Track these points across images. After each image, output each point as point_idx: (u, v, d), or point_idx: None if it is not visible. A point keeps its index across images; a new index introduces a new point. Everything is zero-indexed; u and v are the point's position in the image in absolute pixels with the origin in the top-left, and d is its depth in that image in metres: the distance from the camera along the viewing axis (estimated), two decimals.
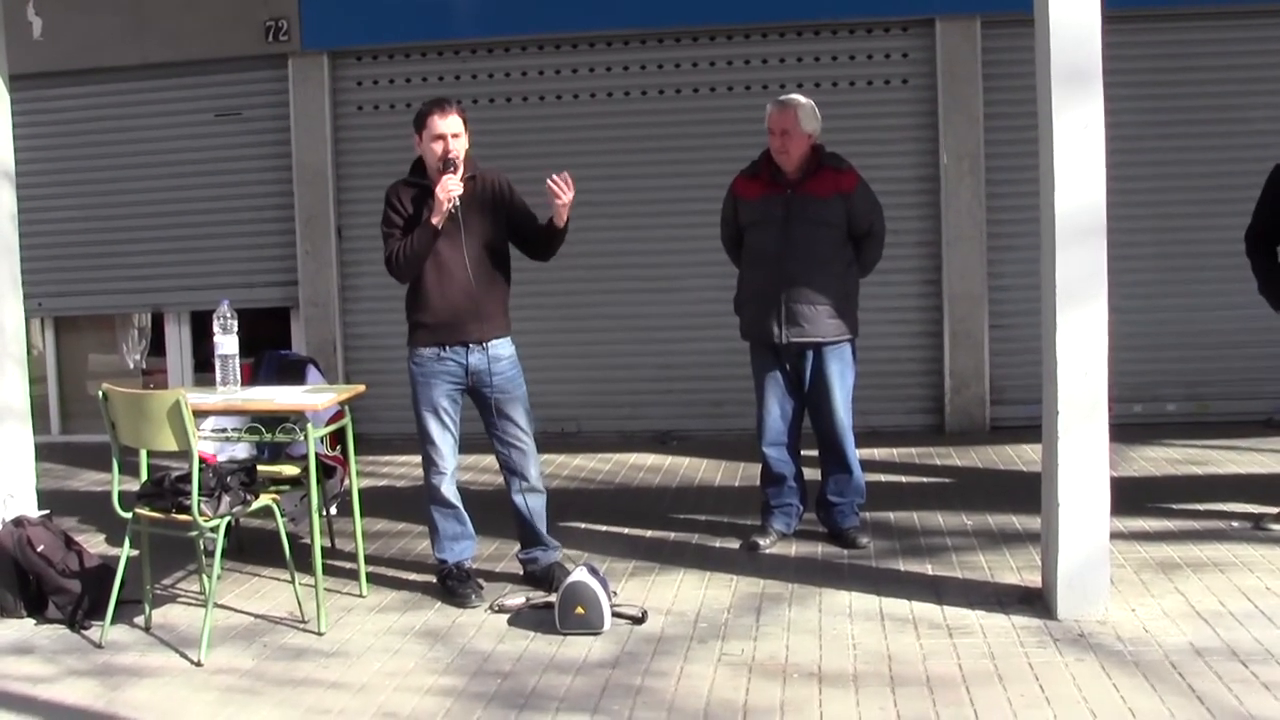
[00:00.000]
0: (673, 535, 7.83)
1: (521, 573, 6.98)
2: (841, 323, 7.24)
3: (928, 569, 6.90)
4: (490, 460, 7.18)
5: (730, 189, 7.50)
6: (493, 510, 7.35)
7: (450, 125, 6.54)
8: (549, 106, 11.10)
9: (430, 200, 6.50)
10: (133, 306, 12.21)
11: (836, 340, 7.26)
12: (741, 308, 7.46)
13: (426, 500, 6.80)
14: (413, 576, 7.15)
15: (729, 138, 10.23)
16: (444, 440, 6.69)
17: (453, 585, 6.73)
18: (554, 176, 6.50)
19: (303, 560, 6.62)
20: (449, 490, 6.74)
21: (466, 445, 6.95)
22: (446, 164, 6.48)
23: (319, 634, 6.23)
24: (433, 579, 6.96)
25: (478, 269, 6.60)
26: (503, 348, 6.73)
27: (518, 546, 7.00)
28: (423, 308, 6.64)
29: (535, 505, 6.86)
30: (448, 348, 6.62)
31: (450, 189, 6.42)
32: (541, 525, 6.89)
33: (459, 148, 6.54)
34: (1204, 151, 10.61)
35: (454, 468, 6.76)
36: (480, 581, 6.79)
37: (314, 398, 6.69)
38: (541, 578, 6.82)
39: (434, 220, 6.46)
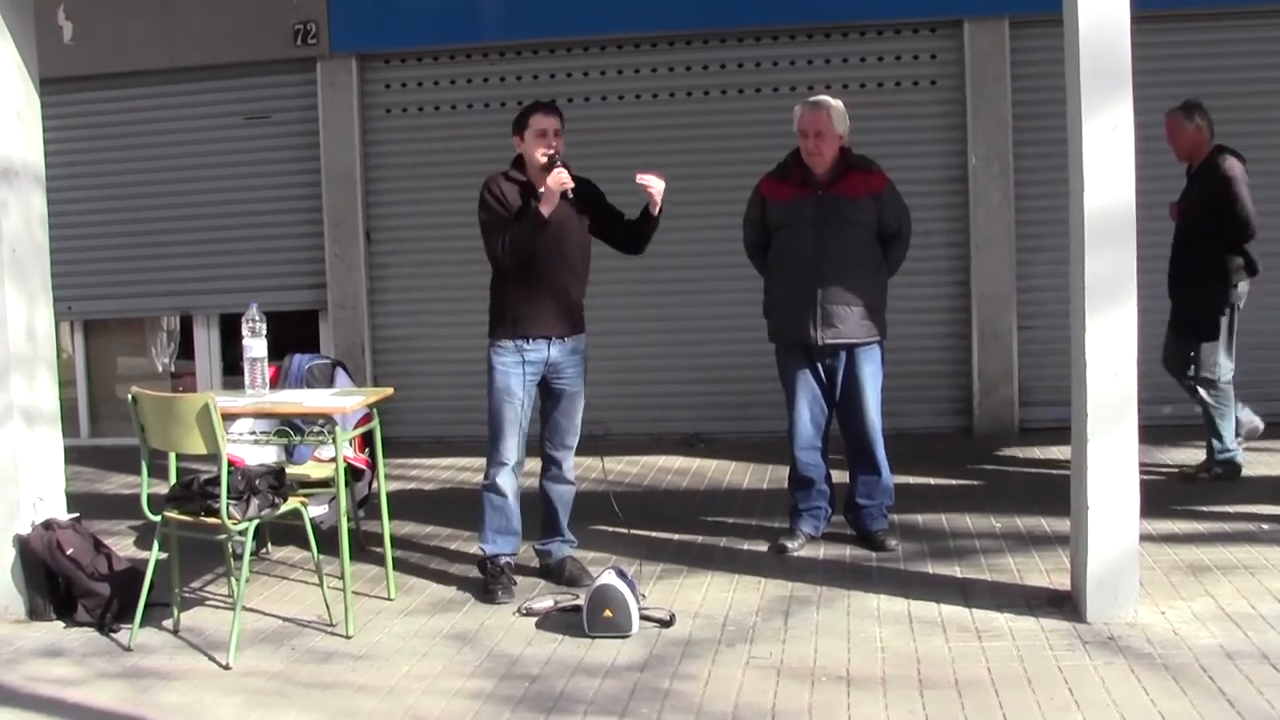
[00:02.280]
0: (700, 538, 7.82)
1: (537, 564, 7.08)
2: (873, 323, 7.25)
3: (956, 571, 6.88)
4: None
5: (756, 191, 7.49)
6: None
7: (554, 123, 6.79)
8: (577, 109, 11.10)
9: (536, 193, 6.70)
10: (162, 309, 12.26)
11: (869, 341, 7.27)
12: (772, 310, 7.45)
13: (482, 487, 6.93)
14: (441, 579, 7.17)
15: (757, 139, 10.21)
16: (512, 431, 6.82)
17: (486, 579, 6.86)
18: (642, 175, 6.78)
19: (331, 563, 6.64)
20: (504, 481, 6.84)
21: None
22: (552, 160, 6.67)
23: (347, 637, 6.24)
24: (461, 580, 7.04)
25: (564, 265, 6.81)
26: (580, 342, 6.94)
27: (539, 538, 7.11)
28: (510, 300, 6.80)
29: (565, 495, 7.05)
30: (531, 340, 6.77)
31: (564, 179, 6.60)
32: (564, 515, 7.06)
33: (560, 145, 6.77)
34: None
35: (516, 461, 6.88)
36: (514, 579, 6.84)
37: (342, 400, 6.71)
38: (554, 569, 7.01)
39: (544, 209, 6.61)
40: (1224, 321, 8.49)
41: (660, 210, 6.83)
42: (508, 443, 6.81)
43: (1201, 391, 8.64)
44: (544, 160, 6.67)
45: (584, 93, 11.24)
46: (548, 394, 6.93)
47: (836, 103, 7.27)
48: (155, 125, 11.85)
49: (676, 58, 11.20)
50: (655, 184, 6.75)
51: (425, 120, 11.49)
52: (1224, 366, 8.57)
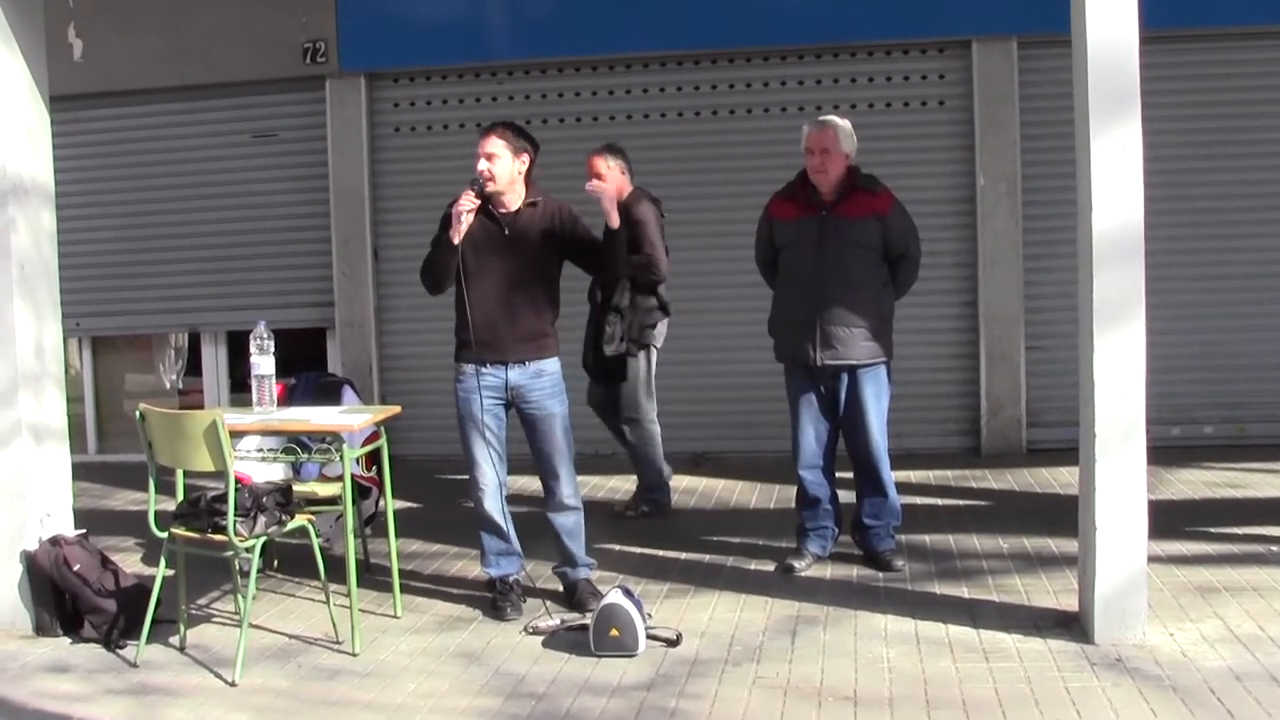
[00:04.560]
0: (707, 557, 7.81)
1: (562, 587, 7.04)
2: (876, 345, 7.23)
3: (964, 592, 6.86)
4: (527, 481, 7.19)
5: (765, 210, 7.51)
6: (527, 530, 7.30)
7: (487, 145, 6.67)
8: (585, 128, 11.11)
9: (492, 214, 6.73)
10: (170, 326, 12.27)
11: (871, 363, 7.25)
12: (775, 330, 7.46)
13: (474, 515, 6.90)
14: (447, 597, 7.16)
15: (765, 159, 10.23)
16: (484, 456, 6.76)
17: (494, 598, 6.86)
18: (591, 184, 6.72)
19: (338, 581, 6.63)
20: (489, 505, 6.81)
21: (516, 467, 6.96)
22: (473, 181, 6.62)
23: (354, 655, 6.23)
24: (468, 599, 7.05)
25: (521, 290, 6.73)
26: (546, 366, 6.81)
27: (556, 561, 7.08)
28: (465, 324, 6.75)
29: (567, 523, 6.94)
30: (487, 364, 6.71)
31: (461, 204, 6.57)
32: (572, 543, 6.96)
33: (495, 170, 6.64)
34: (1242, 172, 10.56)
35: (496, 485, 6.82)
36: (521, 597, 6.85)
37: (350, 418, 6.70)
38: (568, 590, 6.96)
39: (453, 236, 6.61)
40: (638, 363, 8.68)
41: (619, 225, 6.70)
42: (479, 468, 6.78)
43: (627, 430, 8.83)
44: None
45: (592, 112, 11.26)
46: (523, 420, 6.87)
47: (844, 122, 7.28)
48: (164, 143, 11.86)
49: (685, 77, 11.21)
50: (601, 189, 6.70)
51: (434, 139, 11.50)
52: (644, 406, 8.75)
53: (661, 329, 8.76)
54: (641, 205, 8.50)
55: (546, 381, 6.80)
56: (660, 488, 8.99)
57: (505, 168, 6.68)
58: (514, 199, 6.75)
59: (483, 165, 6.64)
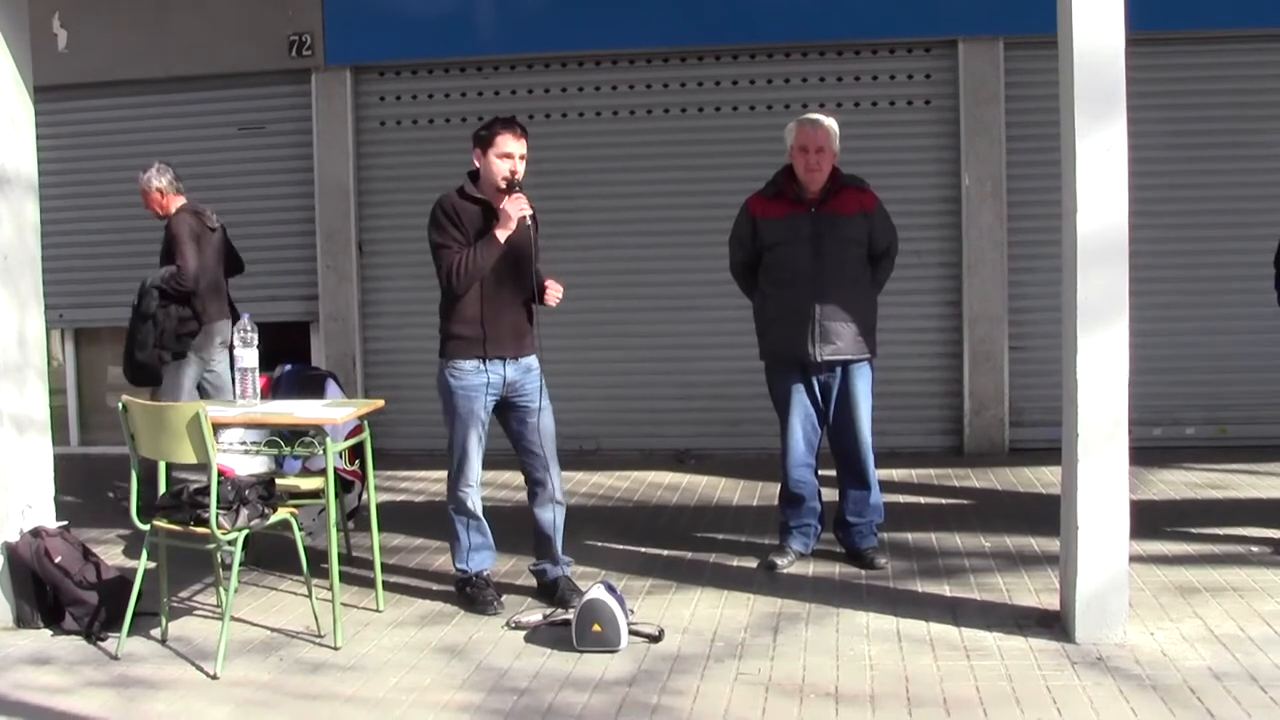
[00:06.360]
0: (690, 554, 7.81)
1: (536, 585, 7.03)
2: (866, 341, 7.28)
3: (946, 590, 6.88)
4: (510, 477, 7.17)
5: (746, 210, 7.47)
6: (509, 526, 7.32)
7: (520, 147, 6.66)
8: (570, 124, 11.11)
9: (494, 215, 6.60)
10: None
11: (862, 358, 7.29)
12: (769, 327, 7.43)
13: (451, 510, 6.86)
14: (430, 592, 7.15)
15: (750, 156, 10.21)
16: (476, 452, 6.75)
17: (473, 593, 6.82)
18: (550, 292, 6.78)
19: (320, 574, 6.62)
20: (474, 501, 6.79)
21: (489, 462, 6.94)
22: (511, 184, 6.58)
23: (335, 648, 6.23)
24: (450, 594, 7.01)
25: (516, 287, 6.74)
26: (532, 362, 6.83)
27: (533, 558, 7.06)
28: (467, 320, 6.69)
29: (555, 519, 6.91)
30: (487, 361, 6.68)
31: (523, 208, 6.55)
32: (559, 540, 6.93)
33: (521, 171, 6.66)
34: (1226, 174, 10.59)
35: (479, 479, 6.81)
36: (499, 593, 6.85)
37: (333, 412, 6.69)
38: (547, 588, 6.93)
39: (500, 235, 6.55)
40: (176, 371, 8.81)
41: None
42: (470, 462, 6.75)
43: None
44: (503, 184, 6.59)
45: (577, 108, 11.25)
46: (513, 415, 6.84)
47: (832, 121, 7.29)
48: (149, 134, 11.79)
49: (670, 74, 11.21)
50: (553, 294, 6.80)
51: (419, 133, 11.49)
52: None
53: (203, 339, 8.88)
54: (178, 218, 8.83)
55: (535, 376, 6.82)
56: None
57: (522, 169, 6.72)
58: None
59: (519, 168, 6.63)
